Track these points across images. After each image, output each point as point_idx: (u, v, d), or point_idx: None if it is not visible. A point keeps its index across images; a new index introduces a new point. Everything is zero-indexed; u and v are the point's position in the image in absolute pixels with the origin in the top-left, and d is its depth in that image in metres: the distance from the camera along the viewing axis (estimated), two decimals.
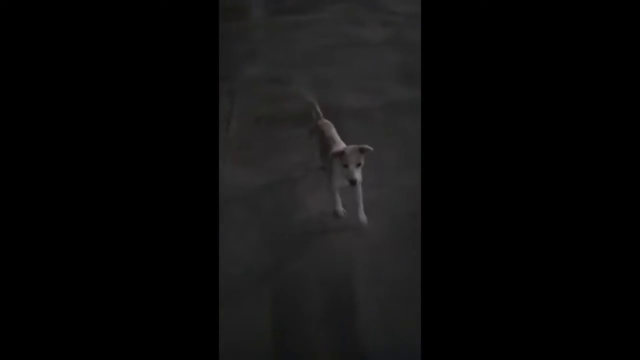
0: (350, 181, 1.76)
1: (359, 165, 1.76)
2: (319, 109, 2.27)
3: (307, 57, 3.82)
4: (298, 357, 1.53)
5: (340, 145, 1.96)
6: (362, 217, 2.02)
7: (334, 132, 2.12)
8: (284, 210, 2.19)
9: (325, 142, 2.06)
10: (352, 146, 1.79)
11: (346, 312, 1.67)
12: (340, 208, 2.09)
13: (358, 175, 1.75)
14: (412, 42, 3.96)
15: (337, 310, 1.68)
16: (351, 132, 2.46)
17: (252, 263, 1.90)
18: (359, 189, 1.95)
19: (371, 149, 1.76)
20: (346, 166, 1.75)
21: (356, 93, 3.22)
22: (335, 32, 4.28)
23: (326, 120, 2.22)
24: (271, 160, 2.53)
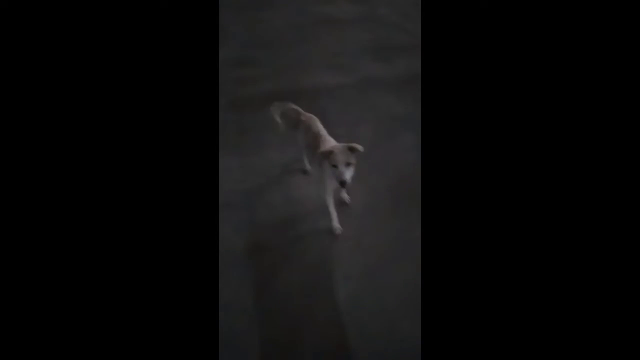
0: (339, 183, 1.61)
1: (348, 165, 1.61)
2: (294, 107, 2.11)
3: (277, 37, 3.76)
4: (297, 356, 1.52)
5: (329, 141, 1.83)
6: (345, 196, 2.05)
7: (320, 126, 1.96)
8: (263, 194, 2.18)
9: (311, 138, 1.90)
10: (340, 145, 1.65)
11: (345, 310, 1.65)
12: (336, 224, 1.94)
13: (348, 176, 1.61)
14: (382, 18, 3.96)
15: (336, 308, 1.65)
16: (327, 110, 2.46)
17: (233, 249, 1.89)
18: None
19: (361, 149, 1.61)
20: (335, 166, 1.61)
21: (329, 71, 3.20)
22: (305, 10, 4.21)
23: (310, 114, 2.06)
24: (245, 143, 2.49)
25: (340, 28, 3.85)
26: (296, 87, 3.00)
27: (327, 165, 1.66)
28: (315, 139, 1.87)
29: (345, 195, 2.05)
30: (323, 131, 1.94)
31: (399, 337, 1.51)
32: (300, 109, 2.10)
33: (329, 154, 1.63)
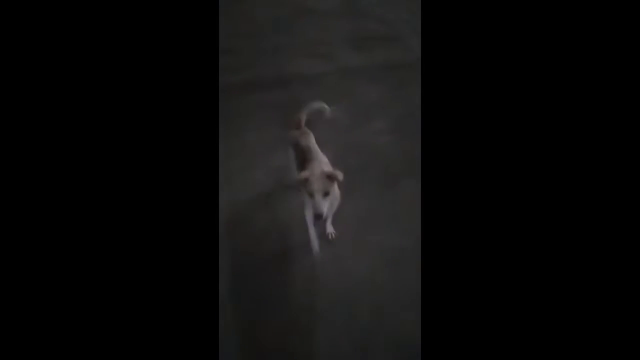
0: (315, 215, 1.41)
1: (326, 194, 1.42)
2: (303, 119, 1.94)
3: (258, 27, 3.82)
4: (297, 356, 1.54)
5: (319, 157, 1.69)
6: (330, 228, 1.87)
7: (312, 141, 1.80)
8: (246, 181, 2.29)
9: (301, 153, 1.73)
10: (319, 171, 1.46)
11: (344, 311, 1.67)
12: (316, 247, 1.79)
13: (325, 208, 1.42)
14: (361, 8, 4.06)
15: (335, 308, 1.68)
16: (305, 98, 2.56)
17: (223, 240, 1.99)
18: (335, 203, 1.63)
19: (340, 178, 1.44)
20: (311, 195, 1.43)
21: (309, 60, 3.30)
22: (286, 1, 4.28)
23: (306, 129, 1.90)
24: (227, 130, 2.58)
25: (319, 18, 3.94)
26: (276, 75, 3.09)
27: (305, 194, 1.48)
28: (305, 154, 1.72)
29: (330, 229, 1.86)
30: (314, 146, 1.78)
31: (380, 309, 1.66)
32: (302, 122, 1.93)
33: (305, 182, 1.44)
